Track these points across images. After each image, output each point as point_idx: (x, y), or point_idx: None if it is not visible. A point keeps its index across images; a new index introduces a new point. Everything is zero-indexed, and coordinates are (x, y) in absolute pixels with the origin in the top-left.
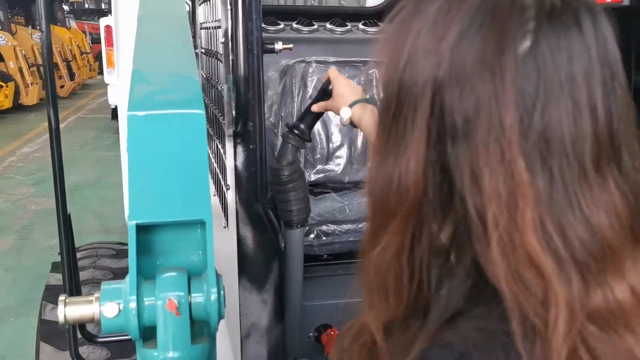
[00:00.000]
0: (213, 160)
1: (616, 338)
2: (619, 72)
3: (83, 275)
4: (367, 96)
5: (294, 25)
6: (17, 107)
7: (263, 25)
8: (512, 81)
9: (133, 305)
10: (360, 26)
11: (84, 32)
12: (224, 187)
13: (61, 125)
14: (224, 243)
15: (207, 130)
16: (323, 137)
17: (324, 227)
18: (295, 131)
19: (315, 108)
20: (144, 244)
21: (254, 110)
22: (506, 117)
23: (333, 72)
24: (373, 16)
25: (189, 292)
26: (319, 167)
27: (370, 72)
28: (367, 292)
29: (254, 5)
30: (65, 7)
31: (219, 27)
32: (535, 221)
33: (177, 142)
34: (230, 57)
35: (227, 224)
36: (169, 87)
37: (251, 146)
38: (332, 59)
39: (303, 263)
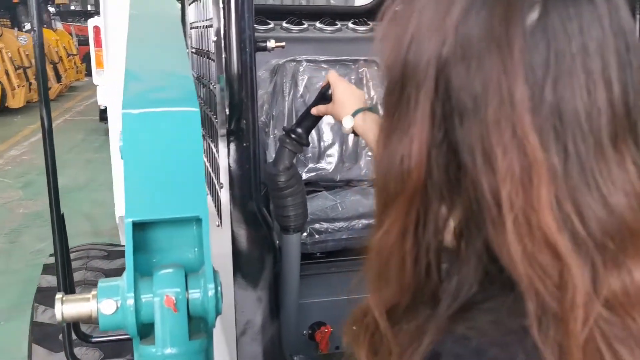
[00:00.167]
0: (205, 159)
1: (631, 323)
2: (634, 43)
3: (75, 277)
4: (369, 104)
5: (284, 24)
6: (3, 110)
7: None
8: (521, 54)
9: (131, 302)
10: (350, 25)
11: (70, 34)
12: (217, 186)
13: None
14: (218, 241)
15: None
16: (314, 135)
17: (317, 226)
18: (293, 135)
19: (314, 112)
20: (140, 241)
21: (247, 108)
22: (516, 92)
23: (333, 76)
24: (362, 15)
25: (186, 289)
26: (311, 165)
27: (360, 70)
28: (370, 276)
29: (246, 3)
30: (51, 9)
31: (211, 26)
32: (552, 201)
33: (172, 140)
34: (223, 56)
35: (221, 222)
36: (163, 85)
37: (245, 144)
38: (322, 58)
39: (300, 266)
